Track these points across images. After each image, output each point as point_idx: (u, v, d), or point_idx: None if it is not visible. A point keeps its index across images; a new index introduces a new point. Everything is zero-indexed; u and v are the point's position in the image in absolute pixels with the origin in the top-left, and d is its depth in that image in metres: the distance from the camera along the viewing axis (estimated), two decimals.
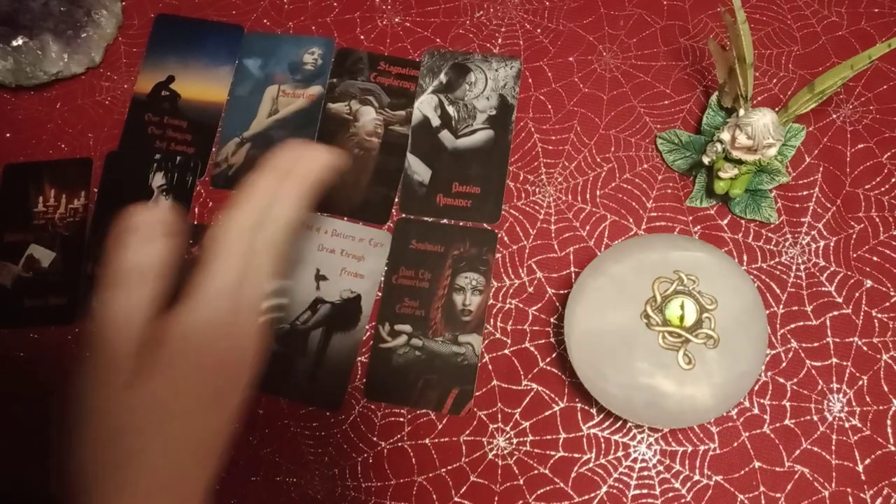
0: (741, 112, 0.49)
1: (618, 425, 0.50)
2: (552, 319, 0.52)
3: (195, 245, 0.55)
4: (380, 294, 0.53)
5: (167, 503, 0.31)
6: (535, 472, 0.49)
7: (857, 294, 0.52)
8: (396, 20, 0.60)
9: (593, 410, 0.50)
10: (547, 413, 0.50)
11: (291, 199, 0.34)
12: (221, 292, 0.32)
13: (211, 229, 0.33)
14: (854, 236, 0.53)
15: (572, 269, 0.53)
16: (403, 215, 0.55)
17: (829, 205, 0.54)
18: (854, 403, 0.49)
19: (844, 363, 0.50)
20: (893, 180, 0.54)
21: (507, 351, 0.52)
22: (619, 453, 0.49)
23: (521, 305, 0.53)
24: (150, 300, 0.32)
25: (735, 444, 0.49)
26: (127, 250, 0.32)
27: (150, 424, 0.31)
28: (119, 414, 0.31)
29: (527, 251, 0.54)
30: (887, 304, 0.51)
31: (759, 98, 0.57)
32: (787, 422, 0.49)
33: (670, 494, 0.49)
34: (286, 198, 0.34)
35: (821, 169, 0.55)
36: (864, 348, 0.50)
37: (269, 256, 0.34)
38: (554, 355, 0.52)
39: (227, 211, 0.34)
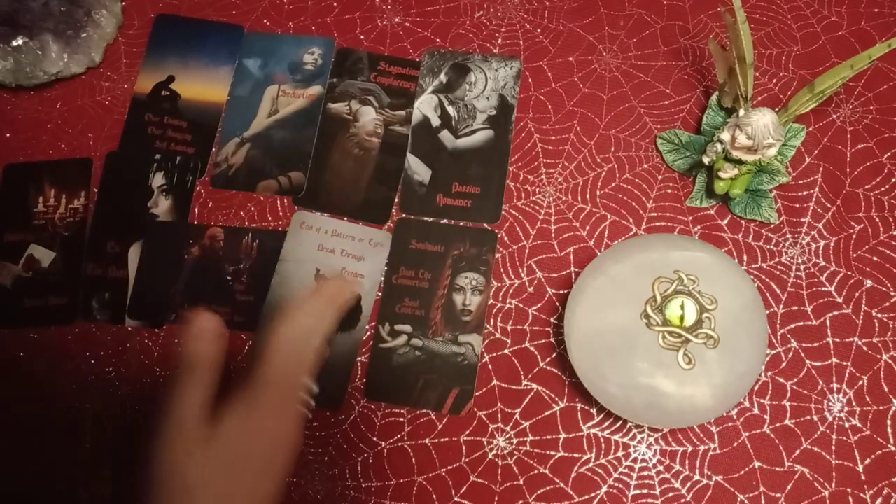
0: (741, 112, 0.49)
1: (618, 425, 0.50)
2: (552, 319, 0.52)
3: (194, 245, 0.55)
4: (380, 294, 0.53)
5: None
6: (535, 472, 0.49)
7: (857, 294, 0.52)
8: (396, 20, 0.61)
9: (593, 410, 0.50)
10: (547, 413, 0.50)
11: (332, 320, 0.44)
12: (275, 382, 0.41)
13: (273, 330, 0.42)
14: (854, 236, 0.53)
15: (572, 269, 0.53)
16: (403, 215, 0.55)
17: (829, 205, 0.54)
18: (854, 403, 0.49)
19: (844, 363, 0.50)
20: (893, 180, 0.54)
21: (507, 351, 0.52)
22: (619, 453, 0.49)
23: (521, 305, 0.53)
24: (211, 386, 0.40)
25: (735, 444, 0.49)
26: (197, 344, 0.41)
27: (218, 481, 0.38)
28: (191, 470, 0.37)
29: (527, 251, 0.54)
30: (887, 304, 0.51)
31: (759, 98, 0.57)
32: (787, 422, 0.49)
33: (670, 494, 0.49)
34: (328, 318, 0.44)
35: (821, 169, 0.55)
36: (864, 348, 0.50)
37: (311, 360, 0.42)
38: (554, 355, 0.52)
39: (287, 316, 0.43)
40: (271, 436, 0.40)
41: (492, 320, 0.53)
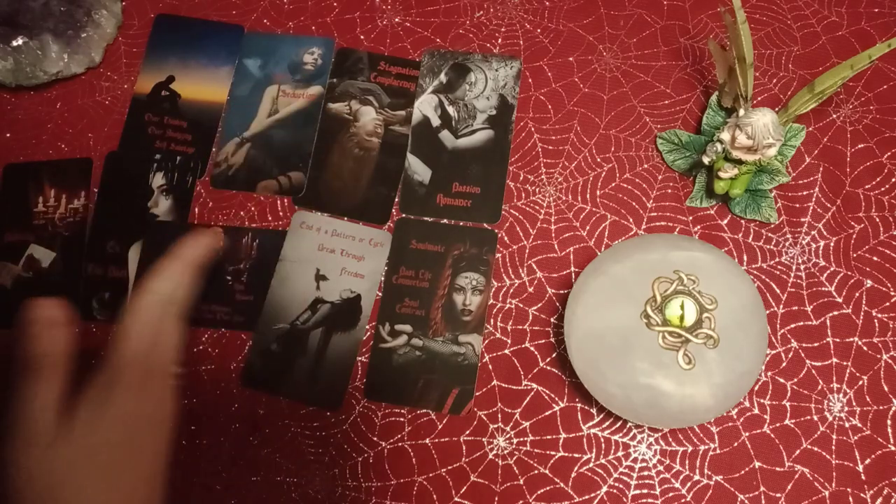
0: (741, 112, 0.49)
1: (618, 425, 0.50)
2: (552, 319, 0.52)
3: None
4: (380, 294, 0.53)
5: None
6: (536, 472, 0.49)
7: (857, 294, 0.52)
8: (396, 20, 0.61)
9: (593, 410, 0.50)
10: (547, 413, 0.51)
11: (189, 282, 0.43)
12: (132, 360, 0.38)
13: (130, 300, 0.40)
14: (854, 236, 0.53)
15: (572, 269, 0.53)
16: (403, 215, 0.55)
17: (829, 205, 0.54)
18: (854, 403, 0.49)
19: (844, 363, 0.50)
20: (893, 180, 0.54)
21: (507, 351, 0.52)
22: (619, 453, 0.49)
23: (521, 305, 0.53)
24: (63, 380, 0.38)
25: (735, 444, 0.49)
26: (36, 340, 0.38)
27: (84, 472, 0.36)
28: (55, 467, 0.35)
29: (527, 251, 0.54)
30: (887, 304, 0.51)
31: (759, 98, 0.57)
32: (787, 422, 0.49)
33: (670, 494, 0.49)
34: (186, 282, 0.43)
35: (821, 169, 0.55)
36: (864, 348, 0.50)
37: (176, 329, 0.40)
38: (554, 355, 0.52)
39: (144, 285, 0.41)
40: (135, 418, 0.37)
41: (492, 320, 0.53)
